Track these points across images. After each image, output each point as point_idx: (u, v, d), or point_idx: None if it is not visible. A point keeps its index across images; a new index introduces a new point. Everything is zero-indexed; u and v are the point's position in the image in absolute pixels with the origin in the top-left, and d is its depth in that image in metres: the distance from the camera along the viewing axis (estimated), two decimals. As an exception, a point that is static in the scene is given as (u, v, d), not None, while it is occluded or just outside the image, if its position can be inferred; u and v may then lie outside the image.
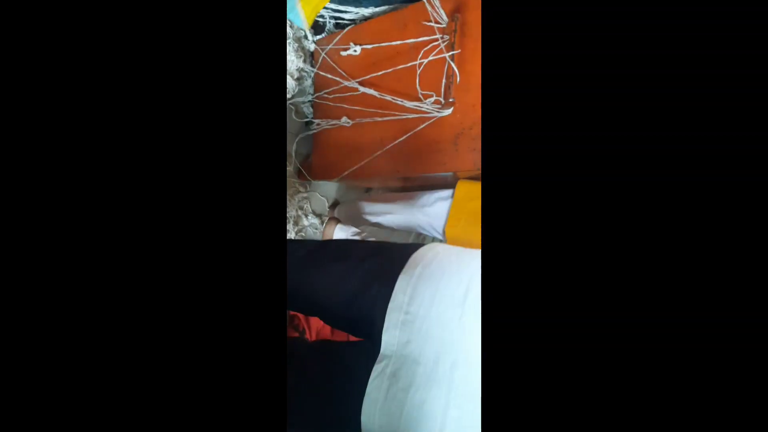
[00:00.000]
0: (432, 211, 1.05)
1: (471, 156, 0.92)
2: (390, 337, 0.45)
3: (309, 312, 0.63)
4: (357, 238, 1.17)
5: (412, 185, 1.22)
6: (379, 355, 0.45)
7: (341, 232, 1.18)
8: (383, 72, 1.01)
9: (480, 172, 0.95)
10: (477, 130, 0.91)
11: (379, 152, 1.03)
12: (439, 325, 0.43)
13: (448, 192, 1.03)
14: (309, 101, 1.20)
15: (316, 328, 0.95)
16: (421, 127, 0.97)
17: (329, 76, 1.10)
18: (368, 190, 1.37)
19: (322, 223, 1.32)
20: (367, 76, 1.05)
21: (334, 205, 1.32)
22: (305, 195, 1.30)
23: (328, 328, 0.96)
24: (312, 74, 1.17)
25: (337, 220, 1.23)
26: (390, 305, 0.46)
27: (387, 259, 0.52)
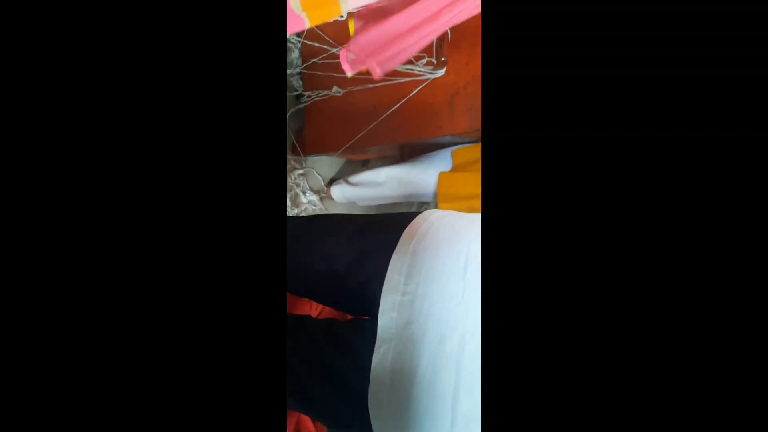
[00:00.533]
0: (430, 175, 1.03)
1: (467, 116, 0.89)
2: (387, 320, 0.43)
3: (299, 292, 0.61)
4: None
5: (410, 154, 1.20)
6: (377, 339, 0.43)
7: None
8: (372, 35, 0.97)
9: (478, 134, 0.92)
10: (472, 88, 0.88)
11: (374, 123, 1.00)
12: (441, 301, 0.41)
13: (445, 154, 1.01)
14: (298, 73, 1.16)
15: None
16: (415, 91, 0.94)
17: (316, 44, 1.07)
18: (365, 162, 1.34)
19: (321, 199, 1.30)
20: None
21: (331, 182, 1.30)
22: (301, 172, 1.28)
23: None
24: (299, 44, 1.13)
25: None
26: (385, 287, 0.43)
27: (378, 235, 0.49)
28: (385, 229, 0.50)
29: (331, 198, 1.25)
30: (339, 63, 1.05)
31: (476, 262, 0.41)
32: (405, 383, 0.40)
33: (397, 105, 0.97)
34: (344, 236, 0.52)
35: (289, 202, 1.24)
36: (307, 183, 1.28)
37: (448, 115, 0.91)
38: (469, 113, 0.88)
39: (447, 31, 0.88)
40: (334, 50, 1.04)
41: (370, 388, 0.42)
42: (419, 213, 0.51)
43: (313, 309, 0.94)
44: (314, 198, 1.28)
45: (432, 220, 0.48)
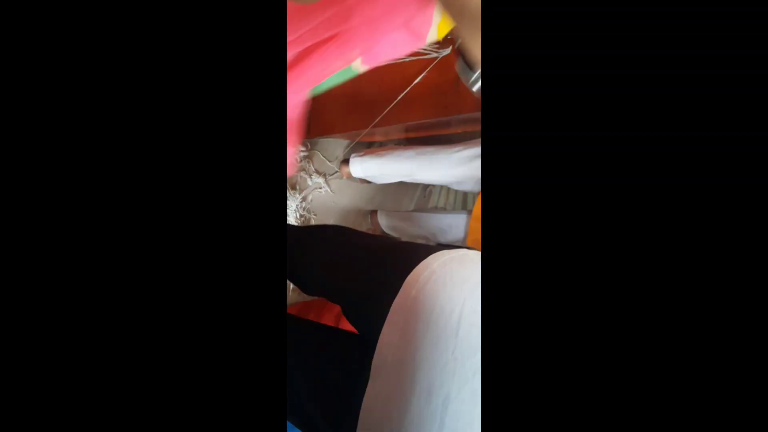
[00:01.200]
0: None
1: (472, 96, 0.87)
2: (383, 359, 0.44)
3: (305, 289, 0.63)
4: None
5: (416, 136, 1.18)
6: (372, 370, 0.44)
7: (384, 219, 1.19)
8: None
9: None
10: (477, 67, 0.86)
11: (386, 109, 0.99)
12: (431, 357, 0.42)
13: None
14: (301, 54, 1.14)
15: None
16: (422, 76, 0.92)
17: (320, 24, 1.05)
18: (370, 144, 1.33)
19: (327, 182, 1.30)
20: (360, 20, 0.99)
21: (345, 162, 1.28)
22: (306, 154, 1.27)
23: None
24: (302, 24, 1.11)
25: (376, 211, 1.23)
26: (384, 328, 0.45)
27: (383, 273, 0.51)
28: (389, 268, 0.51)
29: (349, 175, 1.23)
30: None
31: (470, 320, 0.42)
32: (393, 429, 0.41)
33: (406, 90, 0.95)
34: (350, 256, 0.55)
35: (296, 187, 1.24)
36: (313, 166, 1.28)
37: (454, 94, 0.90)
38: (476, 92, 0.87)
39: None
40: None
41: (360, 418, 0.43)
42: (426, 253, 0.52)
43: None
44: (320, 180, 1.28)
45: (434, 268, 0.48)
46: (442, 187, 1.52)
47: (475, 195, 1.10)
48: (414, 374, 0.42)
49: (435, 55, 0.91)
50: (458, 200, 1.74)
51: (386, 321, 0.45)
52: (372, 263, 0.53)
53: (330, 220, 1.32)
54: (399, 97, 0.96)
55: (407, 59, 0.93)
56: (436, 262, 0.49)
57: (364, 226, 1.37)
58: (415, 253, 0.51)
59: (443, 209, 1.42)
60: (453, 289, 0.45)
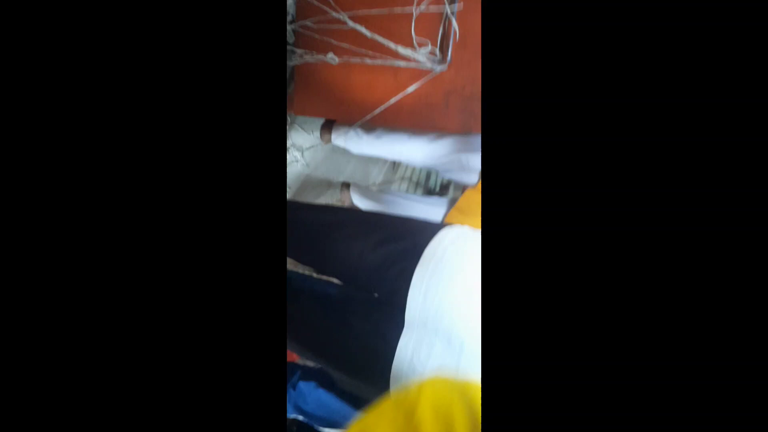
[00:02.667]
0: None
1: (460, 117, 0.93)
2: (411, 317, 0.55)
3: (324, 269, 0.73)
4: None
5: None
6: (404, 328, 0.56)
7: (356, 196, 1.22)
8: (377, 11, 0.94)
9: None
10: (470, 90, 0.91)
11: (370, 115, 1.00)
12: (450, 310, 0.53)
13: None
14: (290, 27, 1.09)
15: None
16: (414, 87, 0.95)
17: (315, 3, 1.00)
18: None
19: (303, 155, 1.32)
20: (359, 11, 0.96)
21: (328, 128, 1.27)
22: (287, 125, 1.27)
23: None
24: (294, -4, 1.05)
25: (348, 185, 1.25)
26: (410, 293, 0.55)
27: (404, 248, 0.60)
28: (409, 242, 0.61)
29: (329, 141, 1.22)
30: (337, 30, 1.01)
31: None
32: (420, 364, 0.53)
33: (398, 97, 0.98)
34: (372, 241, 0.63)
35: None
36: (291, 140, 1.28)
37: (443, 111, 0.95)
38: (463, 114, 0.93)
39: (456, 32, 0.88)
40: (334, 14, 0.99)
41: (394, 362, 0.55)
42: (439, 227, 0.61)
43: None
44: (297, 154, 1.30)
45: (446, 245, 0.58)
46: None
47: (457, 184, 1.17)
48: (437, 327, 0.54)
49: (430, 66, 0.93)
50: (422, 176, 1.83)
51: (411, 285, 0.56)
52: (391, 237, 0.62)
53: (303, 191, 1.36)
54: (388, 103, 0.99)
55: (402, 64, 0.95)
56: (449, 235, 0.60)
57: (333, 198, 1.43)
58: (428, 229, 0.62)
59: (411, 194, 1.50)
60: (471, 258, 0.56)
